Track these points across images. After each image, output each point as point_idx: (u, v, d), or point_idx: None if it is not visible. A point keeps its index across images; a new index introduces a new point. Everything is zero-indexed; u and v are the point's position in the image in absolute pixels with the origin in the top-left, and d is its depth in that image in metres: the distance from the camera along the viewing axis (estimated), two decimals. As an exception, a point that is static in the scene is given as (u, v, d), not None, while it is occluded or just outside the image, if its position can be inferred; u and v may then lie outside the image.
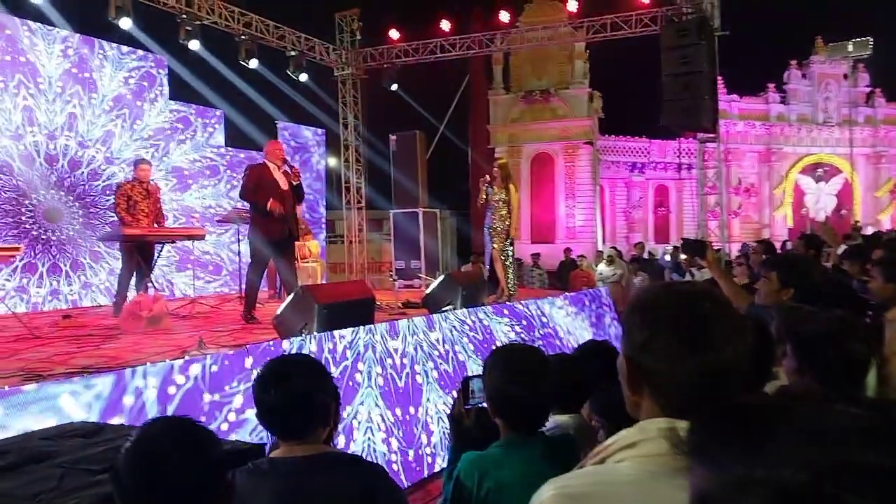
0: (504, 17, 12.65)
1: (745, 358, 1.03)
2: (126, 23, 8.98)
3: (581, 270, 12.56)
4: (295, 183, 6.44)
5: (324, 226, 12.79)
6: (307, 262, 8.22)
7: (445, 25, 12.63)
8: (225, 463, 1.56)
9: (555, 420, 2.20)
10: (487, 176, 7.93)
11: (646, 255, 14.79)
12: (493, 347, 2.20)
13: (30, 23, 8.34)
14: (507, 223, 7.80)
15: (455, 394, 2.21)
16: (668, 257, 12.78)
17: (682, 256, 11.59)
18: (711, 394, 0.99)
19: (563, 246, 17.11)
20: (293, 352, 4.17)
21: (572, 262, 13.59)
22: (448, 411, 2.38)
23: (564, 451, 1.94)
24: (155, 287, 6.75)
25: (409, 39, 12.98)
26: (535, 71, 20.34)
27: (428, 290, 7.00)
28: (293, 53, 11.90)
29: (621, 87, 20.14)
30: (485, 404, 2.07)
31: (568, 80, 20.27)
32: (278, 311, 5.12)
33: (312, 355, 3.86)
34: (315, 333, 4.73)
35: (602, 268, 11.57)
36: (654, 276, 11.22)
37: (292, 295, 5.13)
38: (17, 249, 6.11)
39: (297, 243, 8.05)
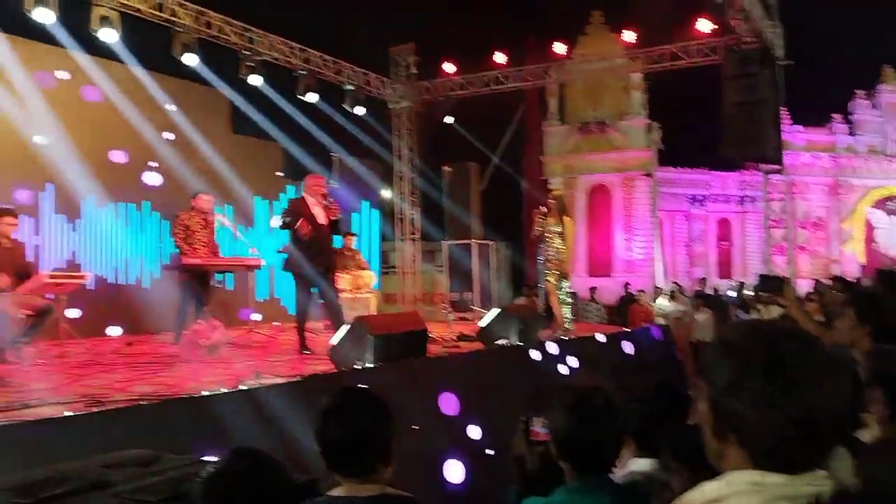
0: (559, 48, 12.63)
1: (841, 402, 0.95)
2: (192, 59, 9.30)
3: (640, 305, 12.23)
4: (333, 218, 6.53)
5: (378, 257, 12.88)
6: (361, 293, 8.23)
7: (500, 58, 12.69)
8: (296, 498, 1.56)
9: (635, 465, 2.07)
10: (542, 207, 7.83)
11: (709, 291, 14.32)
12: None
13: (102, 60, 8.73)
14: (562, 256, 7.65)
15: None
16: (732, 293, 12.36)
17: (747, 292, 11.19)
18: (805, 442, 0.92)
19: (620, 279, 16.78)
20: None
21: (631, 296, 13.26)
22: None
23: (635, 500, 1.80)
24: (213, 316, 6.83)
25: (463, 72, 13.08)
26: (591, 102, 20.22)
27: (483, 324, 6.89)
28: (350, 87, 12.13)
29: (680, 117, 19.81)
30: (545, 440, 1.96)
31: (625, 110, 20.07)
32: (333, 342, 5.10)
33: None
34: (369, 364, 4.68)
35: (663, 303, 11.25)
36: (719, 312, 10.83)
37: (347, 326, 5.11)
38: (83, 277, 6.29)
39: (352, 274, 8.10)
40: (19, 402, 3.65)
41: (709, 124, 12.33)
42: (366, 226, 12.67)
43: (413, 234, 13.79)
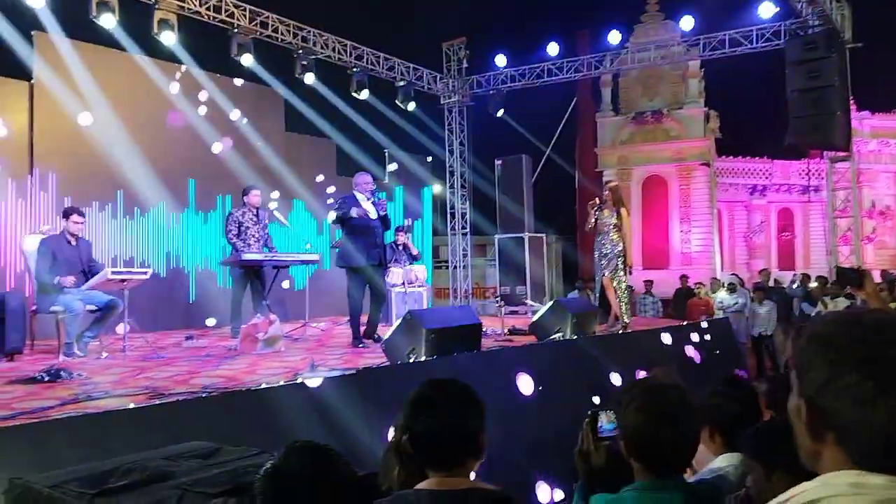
0: (613, 37, 12.38)
1: None
2: (248, 59, 9.47)
3: (699, 298, 11.93)
4: (383, 213, 6.70)
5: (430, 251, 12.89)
6: (413, 287, 8.25)
7: (552, 49, 12.52)
8: (357, 493, 1.54)
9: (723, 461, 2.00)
10: (596, 199, 7.69)
11: (770, 283, 13.85)
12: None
13: (161, 62, 8.97)
14: (618, 248, 7.50)
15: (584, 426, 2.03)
16: (795, 285, 11.92)
17: (813, 284, 10.77)
18: None
19: (676, 272, 16.40)
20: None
21: (689, 289, 12.94)
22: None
23: (709, 501, 1.73)
24: (270, 310, 6.95)
25: (515, 64, 12.97)
26: (647, 91, 19.81)
27: (536, 317, 6.82)
28: (402, 83, 12.16)
29: (740, 105, 19.24)
30: (614, 436, 1.90)
31: (682, 99, 19.60)
32: (386, 336, 5.12)
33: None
34: (422, 358, 4.68)
35: (723, 296, 10.93)
36: (782, 305, 10.46)
37: (401, 319, 5.12)
38: (145, 273, 6.48)
39: (405, 268, 8.14)
40: (85, 395, 3.77)
41: (769, 112, 11.92)
42: (417, 221, 12.69)
43: (464, 228, 13.77)
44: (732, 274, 12.86)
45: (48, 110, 7.87)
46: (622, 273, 7.55)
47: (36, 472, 2.44)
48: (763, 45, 10.96)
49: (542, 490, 4.67)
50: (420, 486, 1.72)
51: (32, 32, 7.78)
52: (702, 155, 19.62)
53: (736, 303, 10.56)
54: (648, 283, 13.53)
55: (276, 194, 9.80)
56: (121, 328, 5.97)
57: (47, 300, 5.79)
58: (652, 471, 1.76)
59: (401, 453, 2.32)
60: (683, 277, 14.13)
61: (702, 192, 19.74)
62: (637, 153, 20.18)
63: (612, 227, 7.46)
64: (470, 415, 1.76)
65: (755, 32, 11.04)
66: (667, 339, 7.32)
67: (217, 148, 9.44)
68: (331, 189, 10.75)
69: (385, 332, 5.77)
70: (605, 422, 1.95)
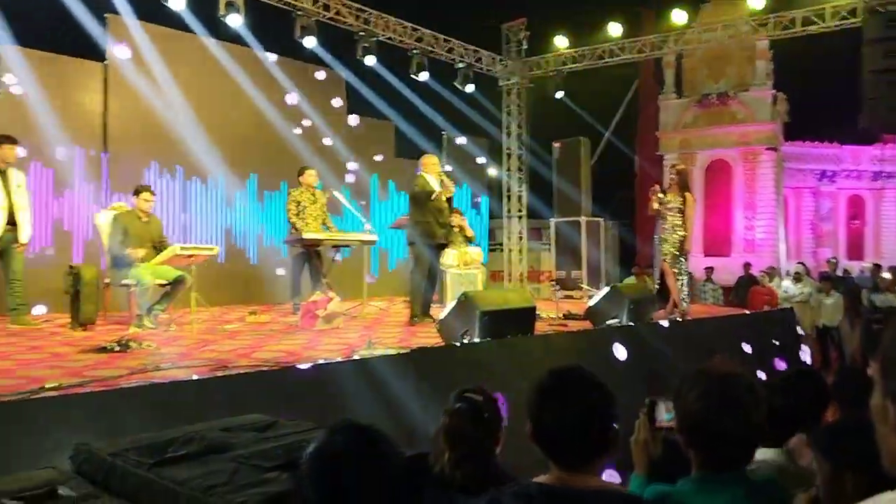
0: (678, 17, 11.99)
1: None
2: (310, 41, 9.59)
3: (762, 287, 11.57)
4: (449, 195, 6.92)
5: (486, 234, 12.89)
6: (469, 269, 8.27)
7: (614, 29, 12.23)
8: (404, 474, 1.53)
9: (762, 454, 1.94)
10: (656, 186, 7.53)
11: (839, 273, 13.32)
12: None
13: (227, 44, 9.18)
14: (680, 234, 7.32)
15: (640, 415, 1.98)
16: (866, 275, 11.44)
17: (885, 275, 10.31)
18: None
19: (739, 260, 15.95)
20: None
21: (752, 277, 12.57)
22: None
23: (771, 497, 1.68)
24: (330, 287, 7.10)
25: (576, 45, 12.74)
26: (712, 73, 19.17)
27: (592, 303, 6.75)
28: (461, 65, 12.11)
29: (810, 87, 18.41)
30: (671, 426, 1.85)
31: (749, 81, 18.89)
32: (441, 316, 5.17)
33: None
34: (476, 339, 4.70)
35: (787, 285, 10.58)
36: (850, 296, 10.07)
37: (456, 301, 5.15)
38: (212, 250, 6.70)
39: (460, 250, 8.17)
40: (153, 365, 3.94)
41: (841, 94, 11.37)
42: (467, 201, 12.68)
43: (520, 211, 13.68)
44: (798, 262, 12.40)
45: (120, 91, 8.17)
46: (683, 259, 7.38)
47: (103, 438, 2.57)
48: (837, 23, 10.45)
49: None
50: (542, 479, 1.63)
51: (106, 15, 8.07)
52: (768, 139, 18.90)
53: (801, 292, 10.21)
54: (709, 269, 13.22)
55: (350, 176, 9.98)
56: (189, 302, 6.19)
57: (119, 274, 6.05)
58: (711, 463, 1.70)
59: (449, 438, 2.33)
60: (747, 265, 13.73)
61: (767, 177, 19.05)
62: (700, 137, 19.59)
63: (675, 211, 7.28)
64: (604, 409, 1.65)
65: (828, 10, 10.53)
66: (726, 327, 7.14)
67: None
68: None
69: (439, 312, 5.83)
70: (663, 411, 1.91)
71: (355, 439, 1.48)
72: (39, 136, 7.37)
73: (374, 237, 7.98)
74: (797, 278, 10.51)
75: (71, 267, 6.15)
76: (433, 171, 6.86)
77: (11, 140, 5.92)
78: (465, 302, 4.95)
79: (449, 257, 8.06)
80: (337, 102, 10.78)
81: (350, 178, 10.61)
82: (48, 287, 6.72)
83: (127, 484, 2.06)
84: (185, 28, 8.68)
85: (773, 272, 12.50)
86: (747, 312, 8.70)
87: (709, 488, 1.68)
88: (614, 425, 1.64)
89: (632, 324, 6.23)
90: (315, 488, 1.43)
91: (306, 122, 10.03)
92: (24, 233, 5.96)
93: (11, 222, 5.83)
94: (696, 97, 19.43)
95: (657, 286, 7.79)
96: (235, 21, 8.70)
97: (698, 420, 1.70)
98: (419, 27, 11.38)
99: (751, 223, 19.08)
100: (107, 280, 6.29)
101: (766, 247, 18.79)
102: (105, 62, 8.19)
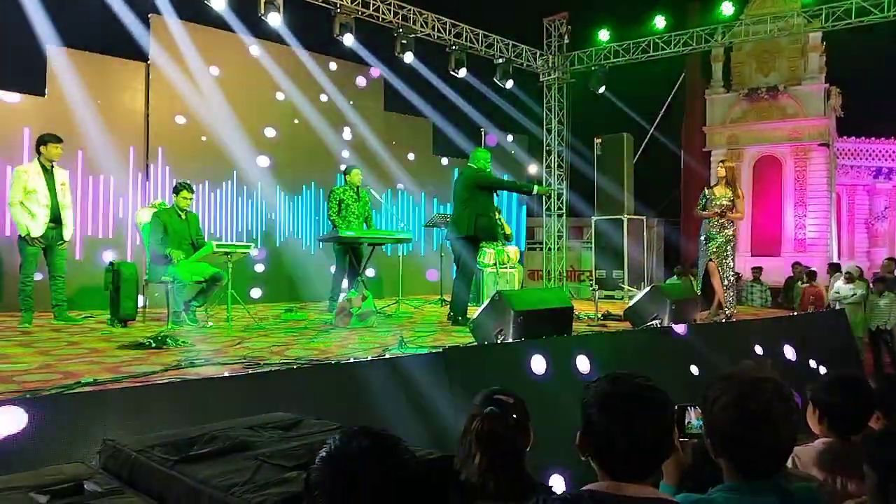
0: (726, 9, 11.66)
1: None
2: (349, 39, 9.61)
3: (812, 288, 11.18)
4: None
5: (523, 233, 12.76)
6: (505, 267, 8.17)
7: (659, 22, 11.96)
8: (420, 482, 1.48)
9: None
10: (705, 190, 7.33)
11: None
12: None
13: (266, 42, 9.27)
14: (728, 232, 7.10)
15: None
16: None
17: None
18: None
19: (788, 259, 15.46)
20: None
21: (801, 278, 12.16)
22: None
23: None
24: (365, 286, 7.10)
25: (619, 39, 12.50)
26: (761, 66, 18.64)
27: (632, 302, 6.60)
28: (501, 61, 12.00)
29: (865, 81, 17.75)
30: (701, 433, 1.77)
31: (800, 75, 18.29)
32: (475, 316, 5.09)
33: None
34: (510, 340, 4.62)
35: (840, 286, 10.19)
36: (905, 297, 9.63)
37: (489, 300, 5.07)
38: (249, 248, 6.76)
39: (497, 249, 8.08)
40: (187, 361, 3.97)
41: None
42: (511, 201, 12.56)
43: (560, 209, 13.51)
44: (852, 264, 11.95)
45: (163, 90, 8.32)
46: (730, 258, 7.16)
47: (134, 433, 2.59)
48: (896, 13, 10.02)
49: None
50: (593, 487, 1.56)
51: (149, 15, 8.22)
52: (820, 134, 18.28)
53: (853, 293, 9.82)
54: (757, 269, 12.83)
55: (375, 173, 9.98)
56: (225, 299, 6.26)
57: (158, 270, 6.15)
58: (741, 472, 1.63)
59: (481, 442, 2.26)
60: (796, 265, 13.30)
61: (819, 174, 18.42)
62: (749, 132, 19.06)
63: (723, 208, 7.06)
64: (663, 421, 1.57)
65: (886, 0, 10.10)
66: (772, 330, 6.90)
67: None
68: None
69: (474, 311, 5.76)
70: (693, 417, 1.83)
71: (369, 445, 1.43)
72: (84, 135, 7.55)
73: (408, 235, 7.96)
74: (849, 278, 10.12)
75: (111, 264, 6.27)
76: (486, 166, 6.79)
77: (56, 139, 6.06)
78: (498, 301, 4.87)
79: (486, 256, 7.98)
80: (375, 100, 10.80)
81: (387, 177, 10.61)
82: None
83: (151, 480, 2.06)
84: (225, 27, 8.80)
85: (832, 274, 12.10)
86: (795, 314, 8.40)
87: (741, 498, 1.60)
88: (673, 435, 1.58)
89: (672, 325, 6.05)
90: (326, 494, 1.39)
91: (344, 120, 10.07)
92: (68, 230, 6.10)
93: (55, 220, 5.98)
94: (745, 91, 18.91)
95: (701, 287, 7.57)
96: (275, 20, 8.78)
97: (725, 429, 1.62)
98: (458, 23, 11.31)
99: (801, 222, 18.50)
100: (146, 277, 6.40)
101: (818, 246, 18.19)
102: (148, 62, 8.34)
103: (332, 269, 7.87)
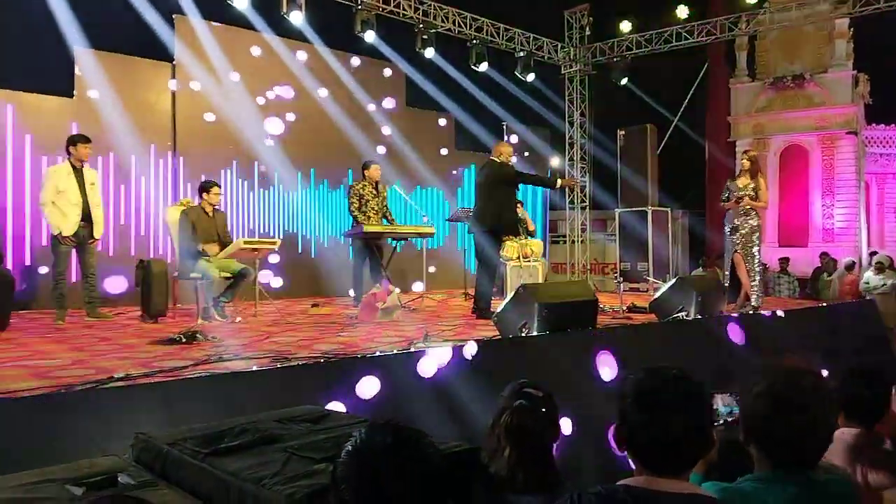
0: (750, -4, 11.48)
1: None
2: (370, 35, 9.64)
3: (840, 278, 11.00)
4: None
5: (546, 226, 12.70)
6: (528, 261, 8.16)
7: (682, 12, 11.82)
8: (445, 475, 1.49)
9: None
10: (728, 182, 7.27)
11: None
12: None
13: (289, 41, 9.34)
14: (753, 222, 7.03)
15: None
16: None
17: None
18: None
19: (816, 250, 15.22)
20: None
21: (829, 268, 11.97)
22: None
23: (837, 499, 1.56)
24: (390, 280, 7.14)
25: (641, 30, 12.37)
26: (787, 54, 18.31)
27: (657, 295, 6.55)
28: (522, 54, 11.95)
29: (893, 67, 17.34)
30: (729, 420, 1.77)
31: (827, 62, 17.94)
32: (499, 309, 5.10)
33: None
34: (534, 333, 4.62)
35: (869, 275, 10.02)
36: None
37: (513, 293, 5.07)
38: (275, 243, 6.83)
39: (520, 242, 8.07)
40: (216, 356, 4.03)
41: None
42: (533, 194, 12.51)
43: (583, 202, 13.43)
44: (881, 253, 11.72)
45: (188, 89, 8.43)
46: (756, 249, 7.09)
47: (166, 427, 2.64)
48: (927, -4, 9.79)
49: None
50: (629, 482, 1.56)
51: (173, 16, 8.32)
52: (848, 123, 17.92)
53: (884, 284, 9.66)
54: (784, 260, 12.66)
55: (397, 168, 10.05)
56: (253, 294, 6.34)
57: (187, 267, 6.24)
58: (773, 462, 1.62)
59: (511, 436, 2.27)
60: (824, 255, 13.09)
61: (847, 163, 18.07)
62: (775, 121, 18.76)
63: (747, 199, 7.00)
64: (702, 415, 1.55)
65: (918, -18, 9.88)
66: (800, 321, 6.81)
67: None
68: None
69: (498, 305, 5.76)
70: (721, 405, 1.83)
71: (393, 439, 1.45)
72: (112, 135, 7.68)
73: (432, 229, 7.98)
74: (880, 268, 9.95)
75: (141, 261, 6.38)
76: (508, 158, 6.75)
77: (86, 139, 6.18)
78: (522, 294, 4.87)
79: (508, 250, 7.98)
80: (396, 96, 10.82)
81: (409, 172, 10.63)
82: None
83: (182, 473, 2.10)
84: (248, 26, 8.88)
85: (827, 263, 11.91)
86: (824, 305, 8.27)
87: (769, 488, 1.59)
88: (711, 428, 1.56)
89: (699, 317, 6.00)
90: (352, 487, 1.41)
91: (366, 116, 10.10)
92: (98, 229, 6.22)
93: (86, 219, 6.10)
94: (770, 80, 18.61)
95: (728, 278, 7.50)
96: (297, 18, 8.83)
97: (759, 419, 1.63)
98: (479, 17, 11.28)
99: (829, 211, 18.18)
100: (175, 273, 6.51)
101: (846, 236, 17.87)
102: (173, 62, 8.45)
103: (354, 264, 7.92)
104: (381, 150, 10.22)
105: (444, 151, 11.38)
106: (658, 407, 1.52)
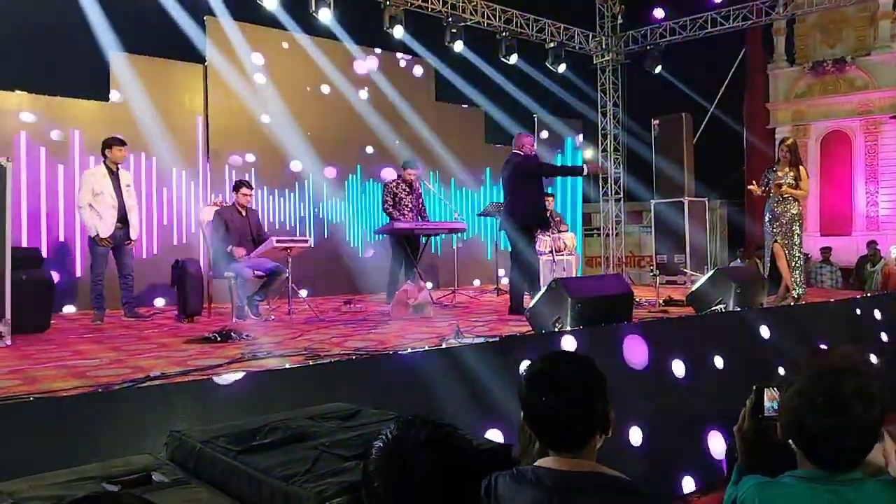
0: (788, -21, 11.18)
1: None
2: (398, 31, 9.64)
3: (888, 268, 10.66)
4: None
5: (579, 218, 12.57)
6: (562, 255, 8.07)
7: (716, -5, 11.56)
8: (477, 471, 1.50)
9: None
10: (767, 171, 7.08)
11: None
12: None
13: (318, 39, 9.38)
14: (793, 212, 6.84)
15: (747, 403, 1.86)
16: None
17: None
18: None
19: (861, 238, 14.78)
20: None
21: (875, 257, 11.61)
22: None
23: (881, 500, 1.49)
24: (421, 277, 7.13)
25: (675, 16, 12.13)
26: (827, 38, 17.79)
27: (694, 287, 6.42)
28: (552, 45, 11.81)
29: (942, 47, 16.74)
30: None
31: (869, 45, 17.37)
32: (531, 304, 5.04)
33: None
34: (568, 328, 4.55)
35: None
36: None
37: (546, 288, 5.01)
38: (307, 241, 6.86)
39: (553, 236, 7.99)
40: (250, 354, 4.06)
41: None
42: (566, 187, 12.37)
43: (617, 193, 13.25)
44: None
45: (220, 90, 8.52)
46: (797, 239, 6.89)
47: (200, 424, 2.65)
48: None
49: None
50: (539, 462, 1.66)
51: (204, 17, 8.42)
52: (893, 106, 17.33)
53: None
54: (826, 250, 12.33)
55: (427, 163, 10.03)
56: (288, 293, 6.38)
57: (221, 266, 6.31)
58: (813, 460, 1.57)
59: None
60: (871, 243, 12.68)
61: (892, 148, 17.49)
62: (815, 107, 18.25)
63: (787, 187, 6.81)
64: (593, 393, 1.65)
65: (966, -42, 9.49)
66: (845, 312, 6.60)
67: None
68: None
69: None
70: (769, 400, 1.78)
71: (425, 435, 1.44)
72: (146, 137, 7.81)
73: (463, 225, 7.95)
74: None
75: (177, 261, 6.47)
76: (531, 151, 6.61)
77: (121, 142, 6.28)
78: (555, 289, 4.80)
79: (542, 244, 7.90)
80: (427, 91, 10.79)
81: (441, 167, 10.60)
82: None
83: (215, 471, 2.11)
84: (278, 25, 8.94)
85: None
86: (868, 295, 8.01)
87: (812, 486, 1.53)
88: (606, 408, 1.65)
89: (739, 309, 5.86)
90: (384, 483, 1.40)
91: (396, 112, 10.10)
92: (134, 230, 6.33)
93: (122, 220, 6.21)
94: (810, 65, 18.12)
95: (768, 269, 7.31)
96: (326, 15, 8.87)
97: (797, 415, 1.57)
98: (508, 8, 11.19)
99: (873, 199, 17.62)
100: (210, 273, 6.58)
101: (892, 223, 17.32)
102: (205, 63, 8.55)
103: (391, 261, 7.91)
104: (412, 146, 10.20)
105: (474, 145, 11.30)
106: (535, 387, 1.66)
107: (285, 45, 9.18)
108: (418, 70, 10.69)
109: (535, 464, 1.66)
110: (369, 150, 9.81)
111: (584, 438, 1.64)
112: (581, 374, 1.68)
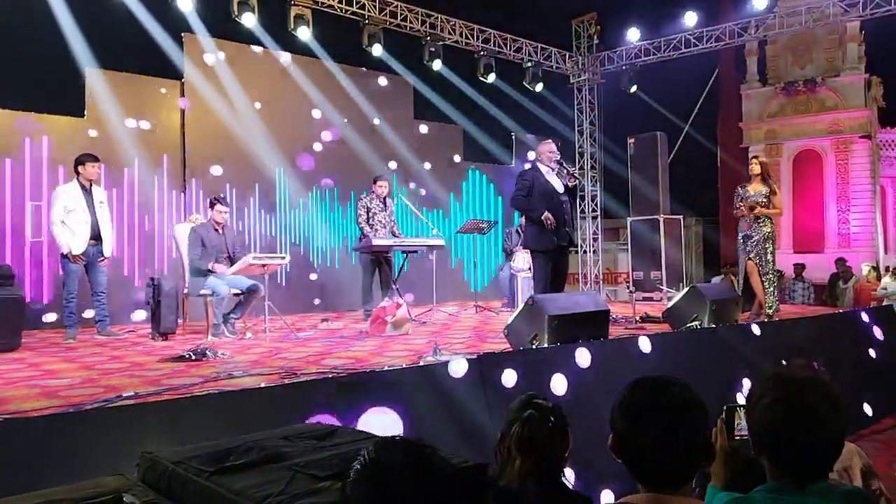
0: (759, 1, 11.42)
1: None
2: (377, 49, 9.69)
3: (858, 285, 10.86)
4: (571, 185, 6.15)
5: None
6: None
7: (690, 19, 11.78)
8: (456, 491, 1.47)
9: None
10: (738, 189, 7.19)
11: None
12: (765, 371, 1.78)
13: (297, 56, 9.40)
14: (765, 229, 6.96)
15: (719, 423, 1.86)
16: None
17: None
18: None
19: (832, 255, 15.04)
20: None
21: (846, 274, 11.82)
22: None
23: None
24: (399, 294, 7.11)
25: (649, 37, 12.35)
26: (798, 59, 18.23)
27: (670, 304, 6.48)
28: (530, 64, 11.95)
29: (907, 69, 17.22)
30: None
31: (838, 66, 17.83)
32: (509, 321, 5.06)
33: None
34: (545, 345, 4.57)
35: (888, 281, 9.89)
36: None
37: (523, 305, 5.03)
38: (283, 259, 6.83)
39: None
40: (225, 373, 4.01)
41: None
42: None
43: (594, 211, 13.36)
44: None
45: (197, 106, 8.48)
46: (770, 256, 7.00)
47: (174, 445, 2.61)
48: (938, -3, 9.70)
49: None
50: (631, 499, 1.54)
51: (182, 34, 8.40)
52: (862, 126, 17.77)
53: (903, 289, 9.52)
54: (799, 266, 12.52)
55: (406, 181, 10.04)
56: (265, 310, 6.32)
57: (197, 284, 6.25)
58: (783, 473, 1.58)
59: (522, 447, 2.24)
60: (840, 261, 12.92)
61: (862, 167, 17.91)
62: (787, 126, 18.65)
63: (758, 205, 6.93)
64: (697, 426, 1.53)
65: (928, -16, 9.80)
66: (816, 328, 6.71)
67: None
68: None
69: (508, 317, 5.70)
70: (742, 419, 1.80)
71: (404, 455, 1.42)
72: (122, 154, 7.74)
73: (440, 241, 7.95)
74: (897, 274, 9.81)
75: (151, 279, 6.40)
76: (550, 161, 6.08)
77: (94, 158, 6.22)
78: (532, 306, 4.82)
79: (519, 261, 7.93)
80: (405, 108, 10.84)
81: (418, 184, 10.63)
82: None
83: (187, 492, 2.07)
84: (256, 43, 8.95)
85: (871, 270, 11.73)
86: (840, 311, 8.15)
87: (781, 499, 1.54)
88: (708, 439, 1.56)
89: (713, 326, 5.93)
90: None
91: (375, 130, 10.13)
92: (108, 247, 6.25)
93: (95, 237, 6.13)
94: (782, 85, 18.52)
95: (742, 286, 7.41)
96: (304, 34, 8.89)
97: (767, 428, 1.58)
98: (486, 28, 11.31)
99: (845, 216, 17.99)
100: (185, 290, 6.51)
101: (862, 241, 17.67)
102: (182, 80, 8.52)
103: (363, 277, 7.88)
104: (392, 164, 10.23)
105: (455, 159, 11.34)
106: (640, 419, 1.52)
107: (264, 62, 9.18)
108: (397, 88, 10.74)
109: (627, 500, 1.53)
110: (347, 167, 9.79)
111: (684, 475, 1.54)
112: (681, 406, 1.55)
